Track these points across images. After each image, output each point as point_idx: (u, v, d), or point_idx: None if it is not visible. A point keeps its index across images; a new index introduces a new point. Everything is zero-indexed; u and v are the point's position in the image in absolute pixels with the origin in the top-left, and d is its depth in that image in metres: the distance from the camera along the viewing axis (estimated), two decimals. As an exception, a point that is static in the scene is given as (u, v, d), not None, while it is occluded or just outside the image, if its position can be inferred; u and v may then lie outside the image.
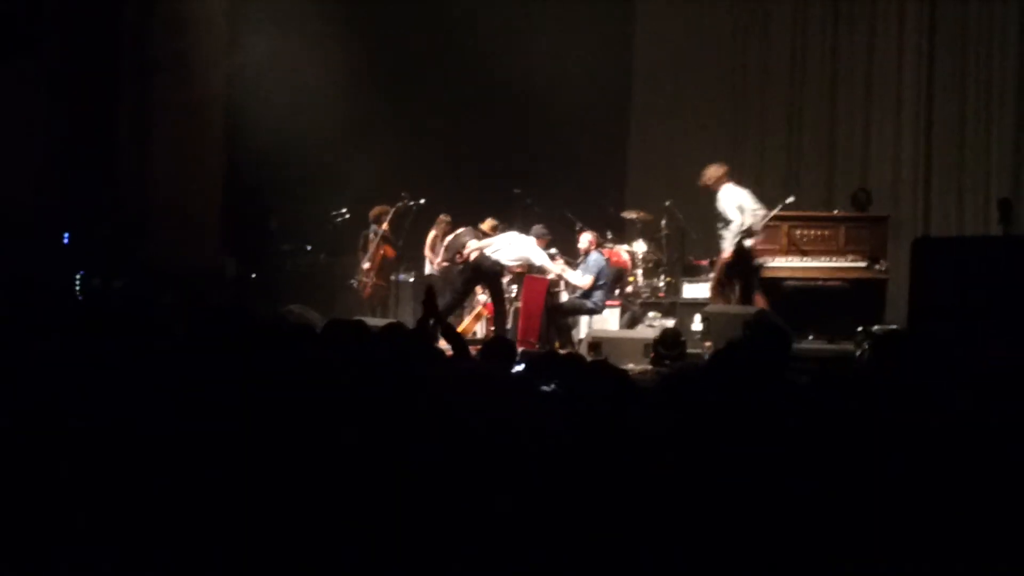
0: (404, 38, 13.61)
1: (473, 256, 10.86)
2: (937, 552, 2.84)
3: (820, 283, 10.56)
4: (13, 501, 3.23)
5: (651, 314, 11.85)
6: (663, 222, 12.42)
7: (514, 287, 11.66)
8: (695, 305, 11.20)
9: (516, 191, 12.56)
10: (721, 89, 14.00)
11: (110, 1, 11.41)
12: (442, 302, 9.97)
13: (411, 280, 12.65)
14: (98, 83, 11.09)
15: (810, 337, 10.27)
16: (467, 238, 11.19)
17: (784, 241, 10.75)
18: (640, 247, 12.35)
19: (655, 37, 14.20)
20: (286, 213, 13.34)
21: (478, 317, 11.63)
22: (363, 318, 8.12)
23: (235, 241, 12.70)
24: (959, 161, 13.14)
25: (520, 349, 8.71)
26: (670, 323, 11.06)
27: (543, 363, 5.14)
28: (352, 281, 12.27)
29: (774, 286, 10.52)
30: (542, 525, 2.94)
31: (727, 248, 10.31)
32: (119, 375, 3.96)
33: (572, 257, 11.63)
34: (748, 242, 10.36)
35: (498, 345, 6.02)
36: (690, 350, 9.26)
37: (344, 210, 12.75)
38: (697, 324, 10.50)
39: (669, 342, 9.40)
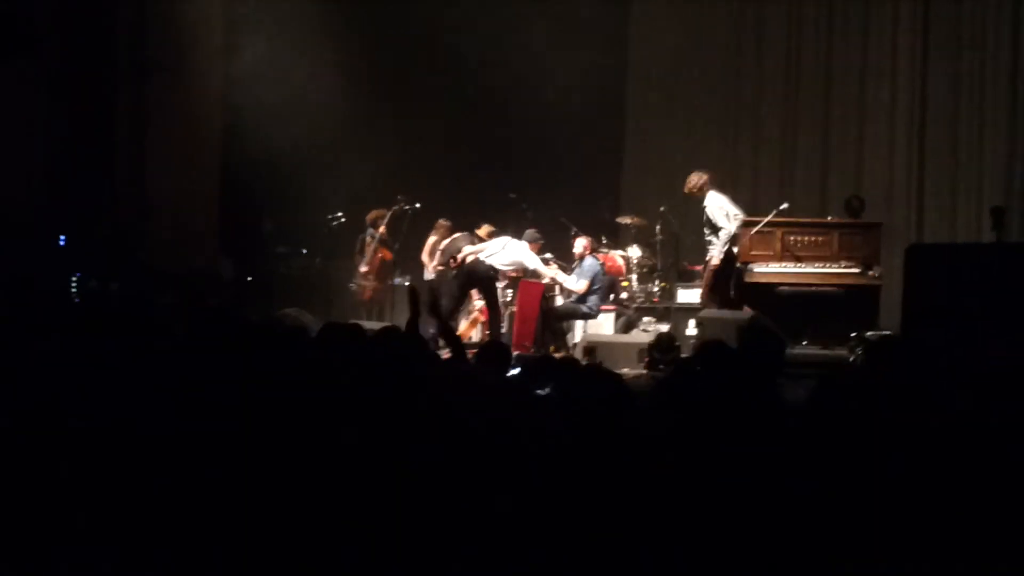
0: (399, 41, 13.62)
1: (468, 260, 10.88)
2: (936, 552, 2.86)
3: (814, 289, 10.58)
4: (13, 501, 3.24)
5: (646, 319, 11.89)
6: (658, 227, 12.46)
7: (509, 292, 11.68)
8: (689, 310, 11.24)
9: (511, 196, 12.58)
10: (715, 95, 14.02)
11: (107, 3, 11.41)
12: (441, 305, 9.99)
13: (407, 284, 12.66)
14: (95, 84, 11.10)
15: (804, 343, 10.31)
16: (463, 243, 11.21)
17: (778, 247, 10.78)
18: (635, 252, 12.39)
19: (650, 41, 14.22)
20: (282, 216, 13.35)
21: (475, 323, 11.64)
22: (359, 321, 8.16)
23: (231, 243, 12.70)
24: (952, 168, 13.19)
25: (515, 353, 8.73)
26: (665, 328, 11.10)
27: (538, 367, 5.17)
28: (351, 284, 12.28)
29: (768, 292, 10.55)
30: (539, 527, 2.96)
31: (717, 255, 10.35)
32: (118, 376, 3.98)
33: (567, 262, 11.65)
34: (735, 248, 10.44)
35: (493, 349, 6.03)
36: (684, 355, 9.29)
37: (340, 214, 12.75)
38: (691, 329, 10.54)
39: (664, 346, 9.45)
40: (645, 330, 11.42)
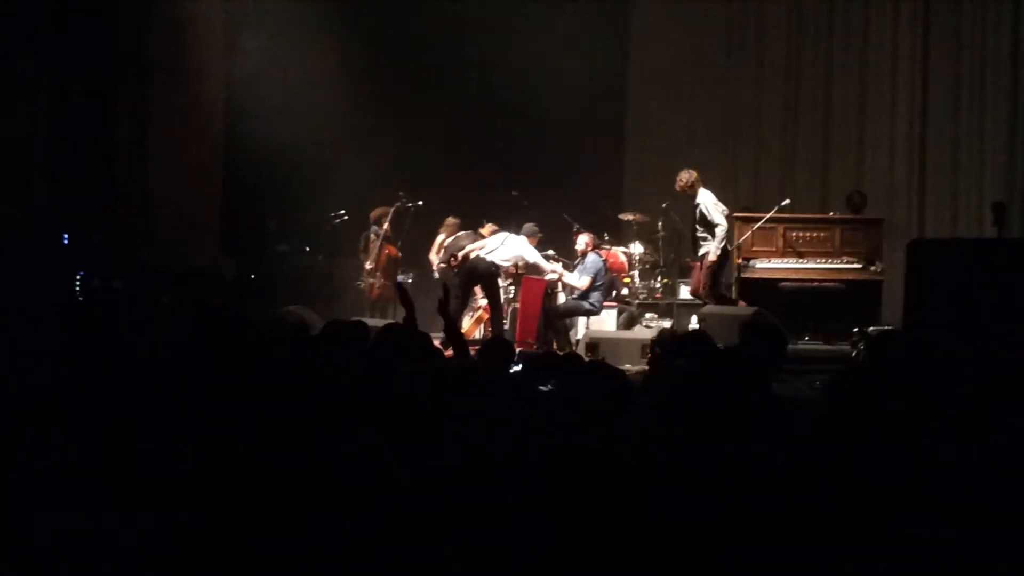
0: (400, 40, 13.61)
1: (472, 256, 10.88)
2: (936, 551, 2.86)
3: (816, 284, 10.60)
4: (13, 501, 3.25)
5: (648, 315, 11.90)
6: (660, 224, 12.47)
7: (512, 288, 11.69)
8: (691, 306, 11.25)
9: (514, 193, 12.59)
10: (716, 93, 14.02)
11: (108, 3, 11.40)
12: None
13: (410, 281, 12.67)
14: (96, 84, 11.09)
15: (806, 338, 10.34)
16: (465, 242, 11.22)
17: (780, 243, 10.80)
18: (637, 248, 12.40)
19: (651, 39, 14.21)
20: (284, 214, 13.35)
21: (479, 321, 11.63)
22: (363, 319, 8.16)
23: (233, 242, 12.71)
24: (953, 164, 13.20)
25: (518, 350, 8.74)
26: (667, 324, 11.11)
27: (541, 364, 5.18)
28: (359, 282, 12.27)
29: (770, 288, 10.57)
30: (541, 523, 2.96)
31: (715, 249, 10.35)
32: (119, 374, 3.99)
33: (569, 259, 11.66)
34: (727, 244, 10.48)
35: (496, 346, 6.04)
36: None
37: (343, 211, 12.75)
38: (694, 325, 10.55)
39: (666, 343, 9.44)
40: (648, 326, 11.43)
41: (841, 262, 10.69)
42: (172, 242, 11.62)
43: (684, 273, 12.33)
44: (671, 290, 12.36)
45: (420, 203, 12.25)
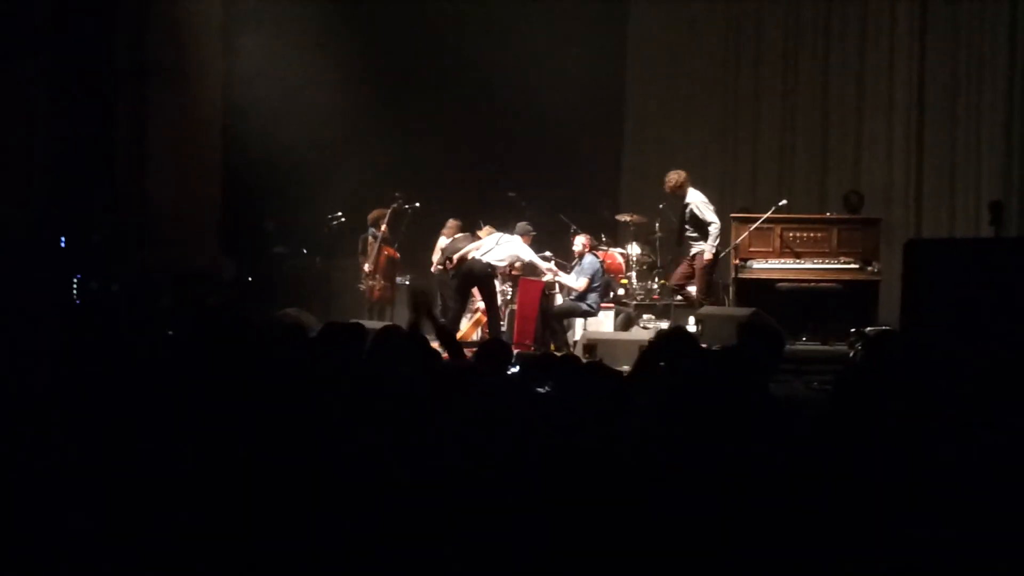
0: (398, 41, 13.62)
1: (468, 258, 10.88)
2: (936, 551, 2.87)
3: (813, 285, 10.61)
4: (13, 501, 3.25)
5: (645, 316, 11.90)
6: (657, 224, 12.47)
7: (509, 290, 11.68)
8: (689, 307, 11.24)
9: (511, 194, 12.58)
10: (714, 92, 14.04)
11: (107, 3, 11.40)
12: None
13: (407, 283, 12.66)
14: (96, 85, 11.09)
15: (803, 338, 10.34)
16: (461, 244, 11.22)
17: (777, 243, 10.80)
18: (634, 249, 12.39)
19: (648, 40, 14.23)
20: (282, 216, 13.34)
21: (477, 323, 11.62)
22: (360, 321, 8.16)
23: (232, 243, 12.70)
24: (950, 163, 13.21)
25: (515, 351, 8.73)
26: (664, 325, 11.10)
27: (538, 365, 5.18)
28: (360, 285, 12.25)
29: (767, 288, 10.58)
30: (540, 523, 2.96)
31: (710, 247, 10.34)
32: (118, 376, 3.98)
33: (567, 260, 11.66)
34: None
35: (493, 347, 6.03)
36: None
37: (340, 213, 12.73)
38: (691, 326, 10.55)
39: (651, 343, 9.42)
40: (645, 327, 11.42)
41: (838, 262, 10.69)
42: (171, 243, 11.60)
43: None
44: (668, 291, 12.35)
45: (417, 205, 12.23)
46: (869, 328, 9.35)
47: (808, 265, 10.72)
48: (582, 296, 11.04)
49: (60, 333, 4.86)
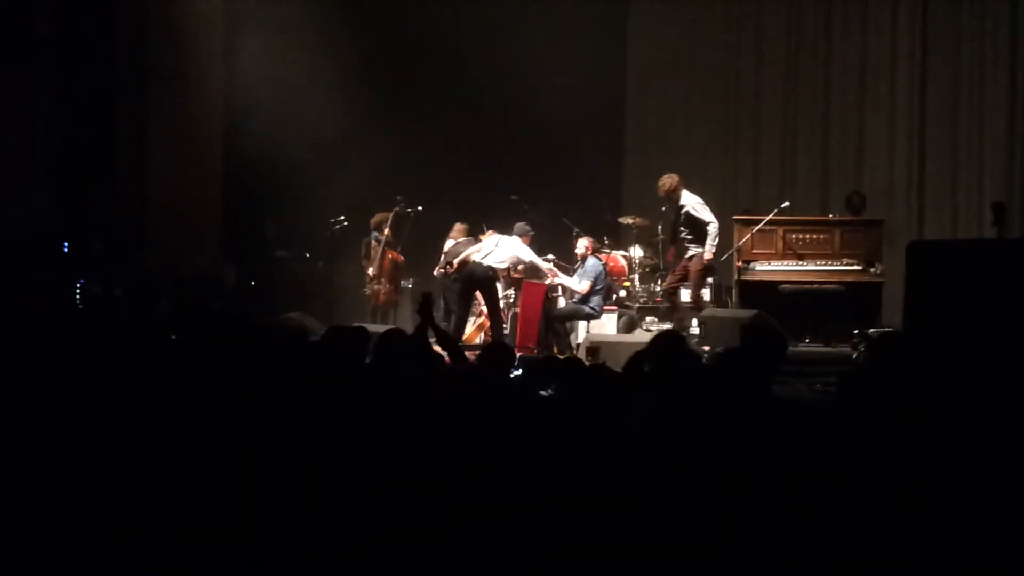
0: (399, 44, 13.63)
1: (469, 262, 10.88)
2: (936, 551, 2.86)
3: (816, 287, 10.61)
4: (13, 501, 3.25)
5: (648, 318, 11.90)
6: (659, 227, 12.46)
7: (512, 293, 11.68)
8: (691, 309, 11.23)
9: (513, 197, 12.57)
10: (715, 94, 14.04)
11: (107, 6, 11.41)
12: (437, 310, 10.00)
13: (409, 287, 12.67)
14: (96, 87, 11.10)
15: (807, 340, 10.33)
16: (463, 248, 11.22)
17: (780, 245, 10.80)
18: (637, 252, 12.40)
19: (649, 42, 14.24)
20: (283, 219, 13.35)
21: (481, 327, 11.61)
22: (363, 325, 8.16)
23: (233, 248, 12.70)
24: (953, 164, 13.21)
25: (518, 354, 8.74)
26: (667, 327, 11.08)
27: (541, 368, 5.18)
28: (365, 290, 12.23)
29: (770, 290, 10.58)
30: (540, 523, 2.96)
31: (709, 249, 10.30)
32: (119, 380, 3.99)
33: (569, 263, 11.66)
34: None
35: (496, 350, 6.03)
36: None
37: (342, 217, 12.73)
38: (694, 328, 10.55)
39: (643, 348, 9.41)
40: (648, 330, 11.42)
41: (841, 264, 10.70)
42: (171, 245, 11.60)
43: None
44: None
45: (419, 208, 12.23)
46: (872, 330, 9.35)
47: (811, 267, 10.73)
48: (585, 299, 11.04)
49: (62, 335, 4.87)
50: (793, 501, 2.99)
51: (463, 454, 3.27)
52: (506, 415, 3.74)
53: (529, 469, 3.18)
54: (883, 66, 13.41)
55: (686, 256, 10.53)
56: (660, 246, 12.50)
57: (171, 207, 11.78)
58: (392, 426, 3.50)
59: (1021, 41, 12.89)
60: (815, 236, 10.86)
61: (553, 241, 12.05)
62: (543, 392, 4.43)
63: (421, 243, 12.40)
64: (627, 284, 12.25)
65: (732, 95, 13.99)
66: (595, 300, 11.05)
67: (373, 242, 12.23)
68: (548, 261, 11.45)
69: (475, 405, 3.80)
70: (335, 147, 13.09)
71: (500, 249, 10.92)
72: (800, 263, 10.74)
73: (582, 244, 11.33)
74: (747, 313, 9.49)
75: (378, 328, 7.87)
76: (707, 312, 10.28)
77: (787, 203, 11.21)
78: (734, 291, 11.02)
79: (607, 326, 11.48)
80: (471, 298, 11.18)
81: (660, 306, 12.12)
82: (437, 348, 6.47)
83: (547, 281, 11.29)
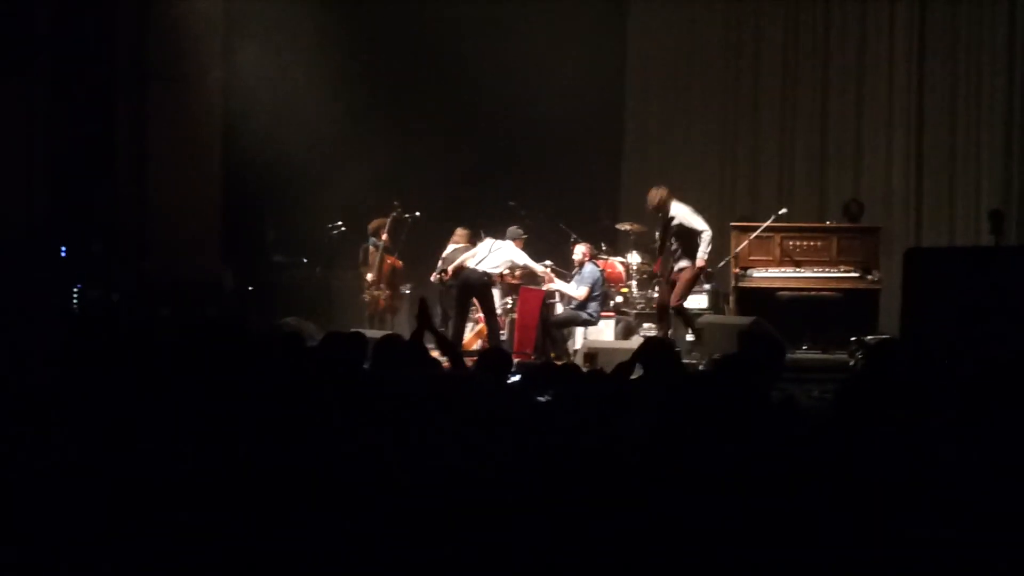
0: (398, 49, 13.63)
1: (464, 268, 10.88)
2: (936, 551, 2.86)
3: (813, 293, 10.61)
4: (13, 501, 3.25)
5: (646, 325, 11.88)
6: (657, 234, 12.44)
7: (509, 299, 11.68)
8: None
9: (510, 203, 12.56)
10: (713, 99, 14.03)
11: (107, 9, 11.42)
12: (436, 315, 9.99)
13: (407, 292, 12.65)
14: (95, 89, 11.11)
15: (804, 347, 10.33)
16: (459, 254, 11.22)
17: (777, 252, 10.81)
18: (634, 258, 12.39)
19: (647, 48, 14.24)
20: (282, 225, 13.33)
21: (479, 334, 11.60)
22: (361, 330, 8.16)
23: (231, 253, 12.68)
24: (950, 171, 13.22)
25: (516, 360, 8.74)
26: (653, 335, 11.08)
27: (539, 374, 5.19)
28: (364, 296, 12.20)
29: (767, 297, 10.58)
30: (540, 523, 2.96)
31: (703, 255, 10.20)
32: (118, 377, 3.99)
33: (567, 269, 11.66)
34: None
35: (493, 356, 6.03)
36: (684, 360, 9.28)
37: (340, 222, 12.72)
38: (691, 335, 10.54)
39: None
40: (645, 336, 11.41)
41: (838, 271, 10.70)
42: (171, 251, 11.58)
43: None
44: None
45: (417, 214, 12.22)
46: (869, 337, 9.34)
47: (808, 274, 10.73)
48: (582, 305, 11.05)
49: (60, 337, 4.88)
50: (793, 501, 2.99)
51: (462, 454, 3.28)
52: (505, 416, 3.75)
53: (528, 470, 3.19)
54: (881, 72, 13.41)
55: (676, 269, 10.29)
56: (658, 252, 12.49)
57: (170, 209, 11.77)
58: (390, 425, 3.50)
59: (1018, 47, 12.91)
60: (812, 243, 10.87)
61: (551, 247, 12.04)
62: (540, 398, 4.43)
63: (419, 248, 12.38)
64: (624, 290, 12.24)
65: (730, 100, 13.97)
66: (593, 306, 11.06)
67: (371, 248, 12.21)
68: (546, 267, 11.44)
69: (474, 407, 3.80)
70: (335, 147, 13.07)
71: (494, 254, 10.92)
72: (797, 270, 10.75)
73: (580, 250, 11.33)
74: (745, 320, 9.49)
75: (376, 334, 7.88)
76: (705, 318, 10.27)
77: (784, 209, 11.20)
78: (731, 298, 11.01)
79: (605, 332, 11.47)
80: (468, 304, 11.17)
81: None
82: (435, 353, 6.48)
83: (544, 285, 11.28)
